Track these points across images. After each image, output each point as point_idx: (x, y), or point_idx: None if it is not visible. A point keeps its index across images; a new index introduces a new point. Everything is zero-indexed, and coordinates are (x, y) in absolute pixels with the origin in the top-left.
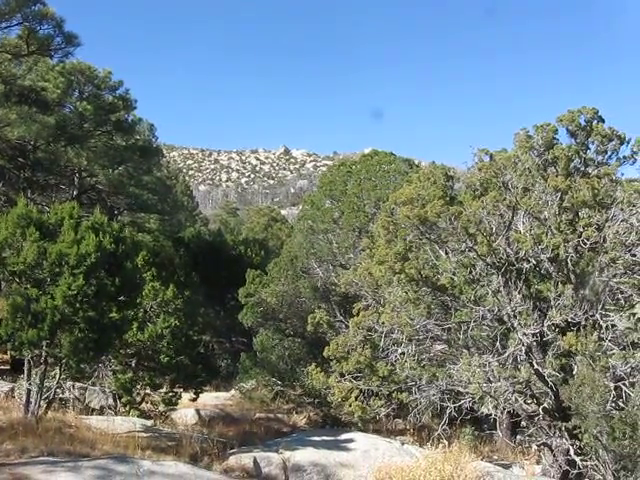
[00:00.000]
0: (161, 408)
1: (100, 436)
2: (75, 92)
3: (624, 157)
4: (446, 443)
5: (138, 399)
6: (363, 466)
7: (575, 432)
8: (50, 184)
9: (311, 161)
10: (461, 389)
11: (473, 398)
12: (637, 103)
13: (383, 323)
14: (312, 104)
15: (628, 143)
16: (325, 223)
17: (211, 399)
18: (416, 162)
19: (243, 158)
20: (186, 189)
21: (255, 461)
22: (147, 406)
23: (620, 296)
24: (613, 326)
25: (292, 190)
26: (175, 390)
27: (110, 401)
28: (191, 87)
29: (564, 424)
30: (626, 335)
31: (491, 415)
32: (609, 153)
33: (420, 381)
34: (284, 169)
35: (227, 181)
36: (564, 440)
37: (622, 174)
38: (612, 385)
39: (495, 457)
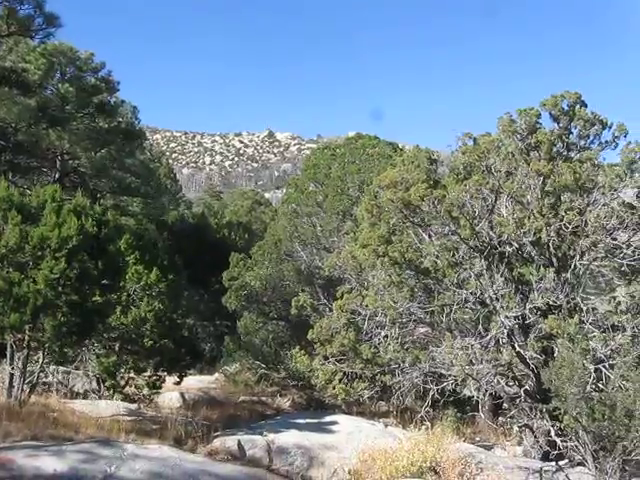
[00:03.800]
0: (145, 392)
1: (84, 420)
2: (57, 74)
3: (606, 142)
4: (429, 425)
5: (122, 383)
6: (347, 448)
7: (556, 414)
8: (32, 167)
9: (295, 144)
10: (444, 371)
11: (456, 380)
12: (618, 87)
13: (367, 306)
14: (296, 87)
15: (610, 128)
16: (309, 206)
17: (195, 382)
18: (400, 146)
19: (227, 141)
20: (169, 172)
21: (239, 444)
22: (131, 390)
23: (601, 279)
24: (594, 309)
25: (276, 173)
26: (159, 374)
27: (94, 385)
28: (174, 69)
29: (545, 406)
30: (606, 318)
31: (473, 397)
32: (591, 138)
33: (403, 364)
34: (268, 152)
35: (211, 164)
36: (545, 422)
37: (604, 159)
38: (592, 367)
39: (477, 438)
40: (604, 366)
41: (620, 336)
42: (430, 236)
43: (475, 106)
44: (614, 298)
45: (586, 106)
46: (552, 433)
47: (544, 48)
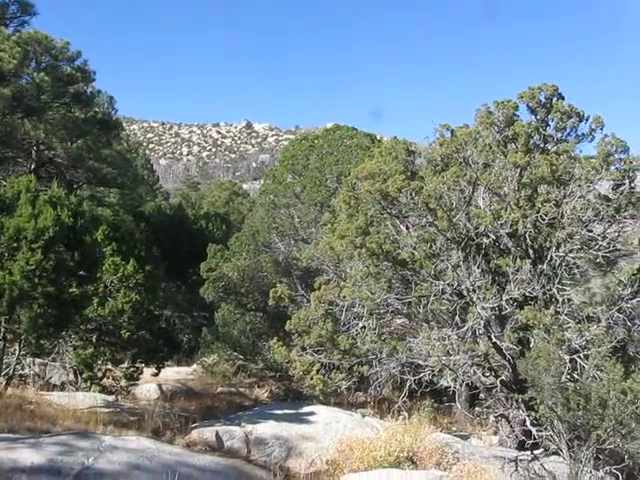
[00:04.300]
0: (123, 383)
1: (61, 412)
2: (32, 63)
3: (582, 134)
4: (406, 415)
5: (99, 374)
6: (325, 438)
7: (531, 404)
8: (6, 157)
9: (273, 135)
10: (421, 362)
11: (433, 371)
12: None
13: (344, 297)
14: (274, 78)
15: (587, 120)
16: (287, 197)
17: (173, 374)
18: (378, 137)
19: (204, 132)
20: (146, 163)
21: (217, 435)
22: (108, 381)
23: (576, 271)
24: (569, 300)
25: (254, 164)
26: (137, 365)
27: (71, 377)
28: (151, 60)
29: (521, 396)
30: (581, 309)
31: (450, 387)
32: (568, 130)
33: (381, 354)
34: (246, 143)
35: (188, 155)
36: (520, 411)
37: (580, 151)
38: (567, 358)
39: (454, 428)
40: (579, 356)
41: (595, 327)
42: (407, 227)
43: (456, 98)
44: (589, 289)
45: (563, 98)
46: (528, 423)
47: (537, 41)
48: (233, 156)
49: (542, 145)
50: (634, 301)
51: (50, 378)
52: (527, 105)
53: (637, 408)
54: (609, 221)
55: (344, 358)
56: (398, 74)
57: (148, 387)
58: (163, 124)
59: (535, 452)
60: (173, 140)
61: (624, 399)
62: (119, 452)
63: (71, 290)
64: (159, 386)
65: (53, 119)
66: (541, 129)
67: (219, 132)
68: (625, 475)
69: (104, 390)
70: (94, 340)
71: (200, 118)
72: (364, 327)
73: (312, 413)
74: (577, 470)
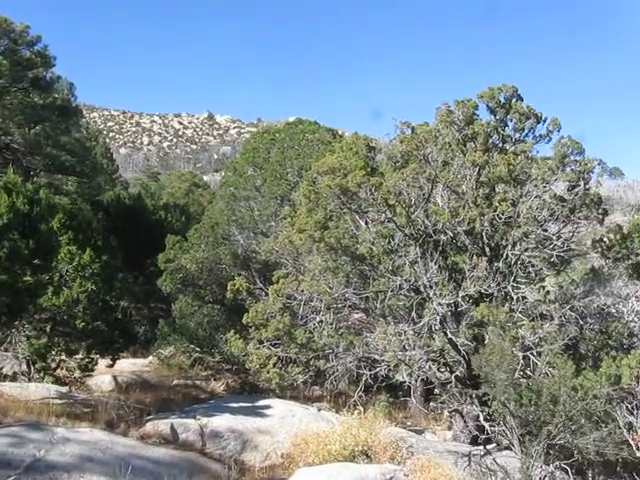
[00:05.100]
0: (77, 374)
1: (13, 403)
2: None
3: (540, 135)
4: (362, 409)
5: (53, 365)
6: (280, 432)
7: (485, 399)
8: None
9: (235, 127)
10: (377, 357)
11: (389, 366)
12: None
13: (302, 291)
14: (236, 69)
15: (544, 122)
16: (247, 190)
17: (128, 365)
18: (339, 132)
19: (166, 122)
20: (106, 151)
21: (172, 427)
22: (62, 372)
23: (531, 269)
24: (524, 298)
25: (215, 156)
26: (91, 356)
27: (24, 367)
28: (113, 48)
29: (474, 392)
30: (535, 307)
31: (406, 382)
32: (526, 131)
33: (337, 349)
34: (207, 134)
35: (149, 145)
36: (474, 407)
37: (537, 152)
38: (521, 354)
39: (409, 423)
40: (532, 353)
41: (548, 324)
42: (367, 223)
43: (415, 94)
44: (543, 287)
45: (522, 100)
46: (481, 418)
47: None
48: (194, 147)
49: (500, 145)
50: (586, 300)
51: (2, 368)
52: (487, 105)
53: (587, 405)
54: (564, 221)
55: (301, 352)
56: (370, 69)
57: (103, 378)
58: (124, 113)
59: (488, 447)
60: (134, 129)
61: (574, 395)
62: (71, 444)
63: (25, 279)
64: (114, 378)
65: (11, 104)
66: (500, 129)
67: (181, 123)
68: (574, 470)
69: (57, 381)
70: (48, 330)
71: (162, 108)
72: (321, 321)
73: (268, 407)
74: (528, 465)
